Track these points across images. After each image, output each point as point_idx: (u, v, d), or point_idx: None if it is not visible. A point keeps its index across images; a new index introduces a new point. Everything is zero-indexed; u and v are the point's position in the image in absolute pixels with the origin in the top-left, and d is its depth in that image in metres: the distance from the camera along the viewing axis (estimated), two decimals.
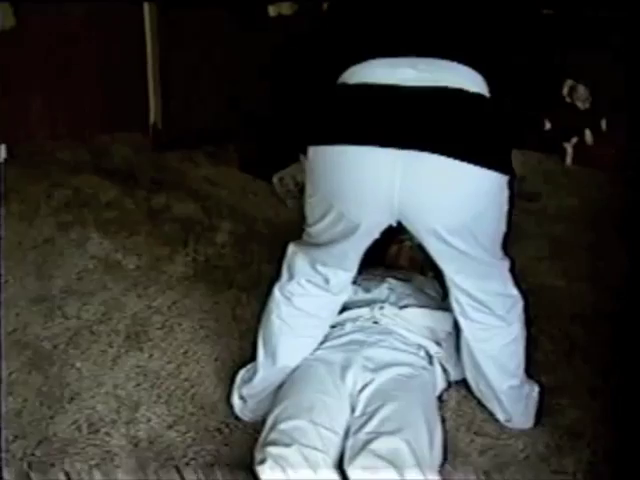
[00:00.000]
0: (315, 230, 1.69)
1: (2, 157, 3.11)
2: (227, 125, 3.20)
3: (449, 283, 1.72)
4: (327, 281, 1.76)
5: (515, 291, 1.77)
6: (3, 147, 3.11)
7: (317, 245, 1.72)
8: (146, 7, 3.21)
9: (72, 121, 3.33)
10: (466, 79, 1.49)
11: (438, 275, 1.91)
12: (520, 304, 1.79)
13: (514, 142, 1.63)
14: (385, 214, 1.54)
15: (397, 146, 1.45)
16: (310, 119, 1.60)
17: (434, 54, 1.49)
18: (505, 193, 1.58)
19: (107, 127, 3.39)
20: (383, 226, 1.60)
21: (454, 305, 1.76)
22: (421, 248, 2.22)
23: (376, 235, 1.64)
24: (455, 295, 1.73)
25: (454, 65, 1.50)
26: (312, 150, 1.58)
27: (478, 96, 1.50)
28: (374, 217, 1.57)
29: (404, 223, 1.57)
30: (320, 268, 1.74)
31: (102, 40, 3.26)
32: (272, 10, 3.14)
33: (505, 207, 1.61)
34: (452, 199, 1.49)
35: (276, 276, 1.84)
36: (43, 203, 2.85)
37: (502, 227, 1.65)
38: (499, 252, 1.70)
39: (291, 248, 1.81)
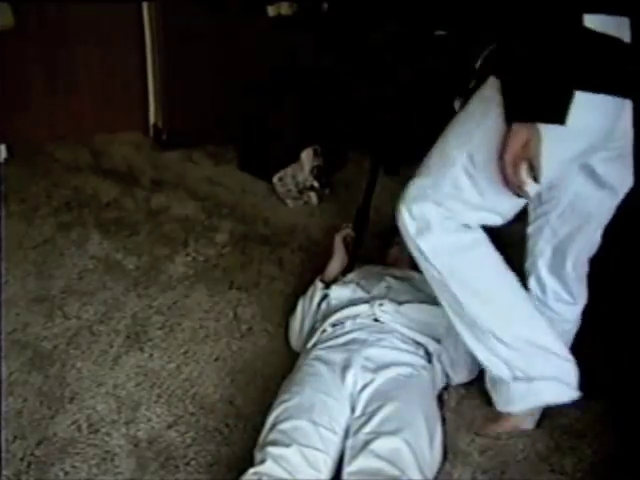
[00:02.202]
0: None
1: (2, 157, 3.10)
2: (227, 125, 3.20)
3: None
4: None
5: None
6: (3, 147, 3.11)
7: None
8: (146, 7, 3.21)
9: (72, 121, 3.33)
10: None
11: None
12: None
13: None
14: None
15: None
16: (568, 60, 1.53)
17: None
18: None
19: (107, 127, 3.39)
20: None
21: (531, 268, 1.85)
22: None
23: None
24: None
25: None
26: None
27: None
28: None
29: None
30: None
31: (102, 40, 3.25)
32: (271, 10, 3.14)
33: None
34: None
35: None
36: (43, 203, 2.85)
37: None
38: None
39: None
